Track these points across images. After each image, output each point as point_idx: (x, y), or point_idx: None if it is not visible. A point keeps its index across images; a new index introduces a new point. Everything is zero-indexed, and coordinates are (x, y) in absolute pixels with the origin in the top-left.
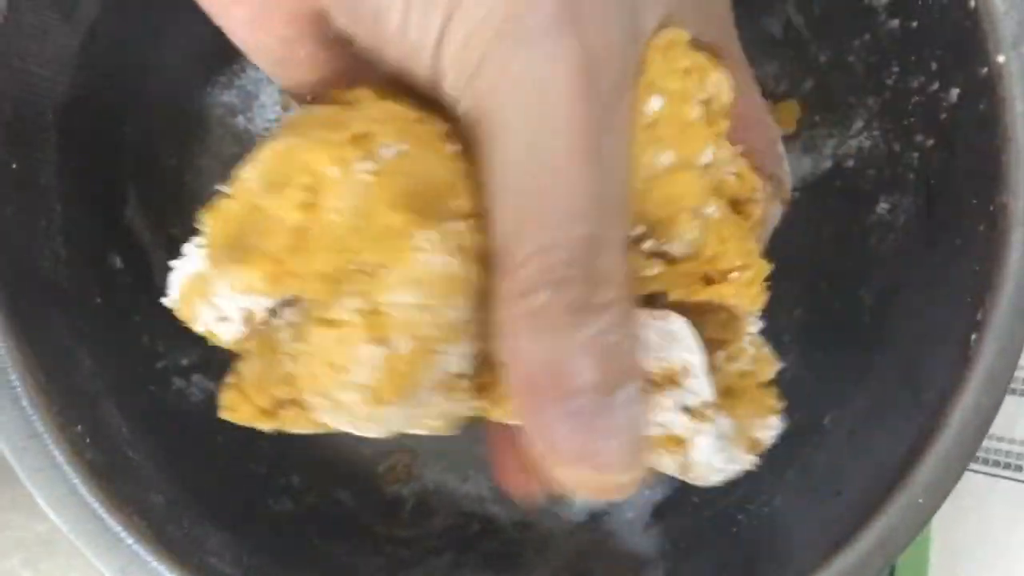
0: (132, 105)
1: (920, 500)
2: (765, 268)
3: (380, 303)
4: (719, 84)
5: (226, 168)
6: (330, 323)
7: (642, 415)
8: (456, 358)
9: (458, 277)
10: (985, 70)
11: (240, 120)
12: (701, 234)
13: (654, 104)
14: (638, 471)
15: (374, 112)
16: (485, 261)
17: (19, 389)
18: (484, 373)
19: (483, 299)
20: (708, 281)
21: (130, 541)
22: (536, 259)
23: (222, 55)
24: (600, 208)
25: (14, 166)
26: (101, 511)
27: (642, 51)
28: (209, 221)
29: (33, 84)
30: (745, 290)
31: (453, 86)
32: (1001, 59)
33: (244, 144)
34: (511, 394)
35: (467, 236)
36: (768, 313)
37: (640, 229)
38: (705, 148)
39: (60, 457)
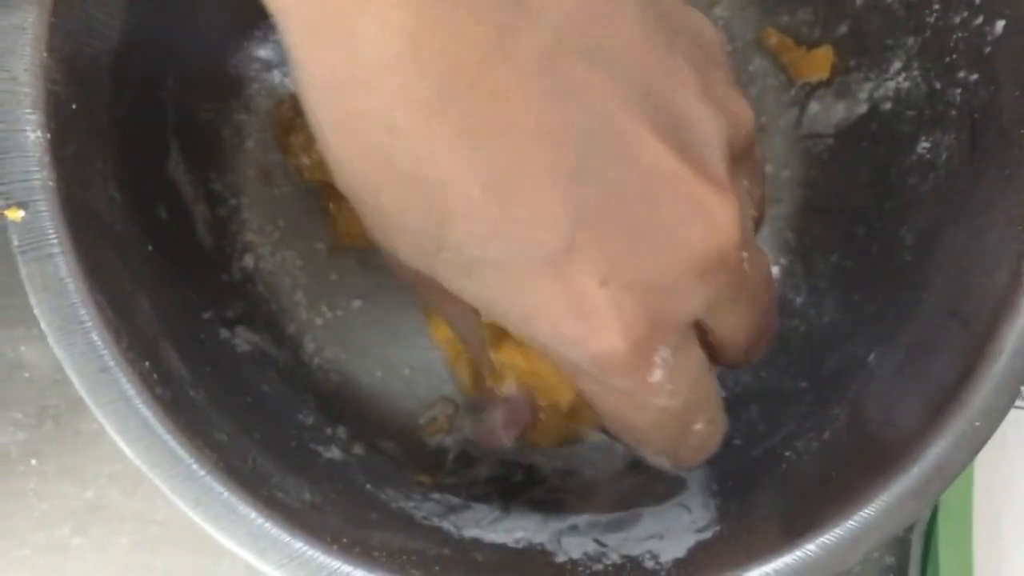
0: (174, 58)
1: (976, 423)
2: None
3: None
4: None
5: (262, 123)
6: None
7: None
8: None
9: None
10: None
11: (275, 75)
12: None
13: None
14: None
15: None
16: None
17: (88, 324)
18: None
19: None
20: None
21: (202, 473)
22: None
23: (258, 9)
24: None
25: (74, 106)
26: (173, 443)
27: None
28: None
29: (90, 25)
30: None
31: None
32: None
33: (280, 99)
34: None
35: None
36: (804, 261)
37: None
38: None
39: (131, 391)
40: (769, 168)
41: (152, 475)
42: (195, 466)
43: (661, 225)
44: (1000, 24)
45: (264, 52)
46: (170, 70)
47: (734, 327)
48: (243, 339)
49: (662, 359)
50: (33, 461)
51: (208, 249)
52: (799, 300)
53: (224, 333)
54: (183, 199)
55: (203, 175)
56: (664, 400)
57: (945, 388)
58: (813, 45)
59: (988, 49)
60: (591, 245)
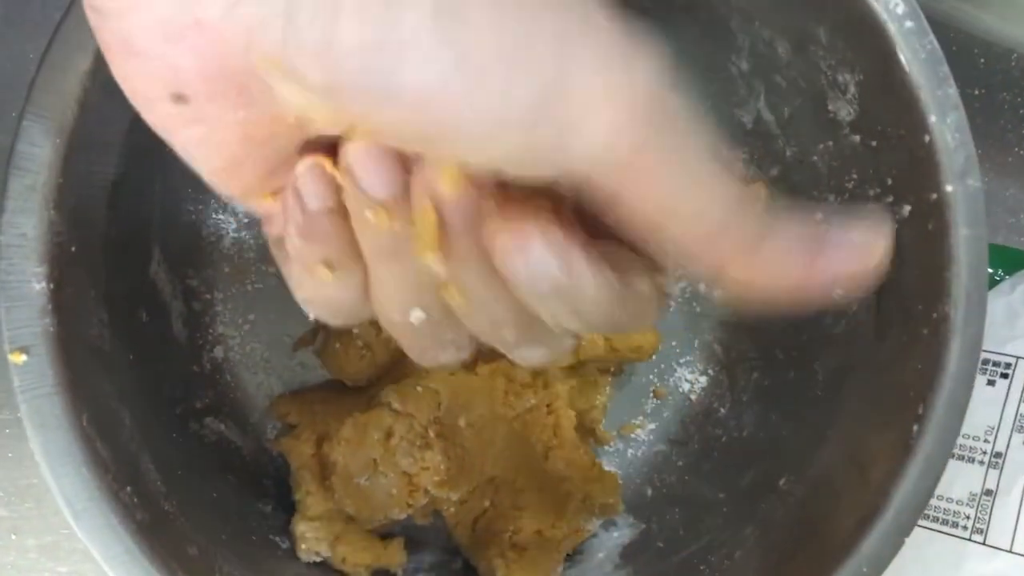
0: (161, 171)
1: (864, 570)
2: None
3: None
4: None
5: (239, 222)
6: None
7: None
8: None
9: None
10: (935, 196)
11: None
12: None
13: None
14: None
15: None
16: None
17: (80, 458)
18: None
19: None
20: None
21: None
22: None
23: None
24: None
25: (73, 249)
26: (151, 568)
27: None
28: None
29: (90, 171)
30: None
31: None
32: (949, 188)
33: None
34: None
35: None
36: (729, 374)
37: None
38: None
39: (115, 519)
40: (703, 286)
41: None
42: None
43: None
44: (907, 208)
45: None
46: (157, 181)
47: None
48: (210, 429)
49: None
50: (13, 536)
51: (182, 342)
52: (723, 411)
53: (193, 425)
54: (162, 298)
55: (182, 272)
56: None
57: (841, 533)
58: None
59: (896, 226)
60: None
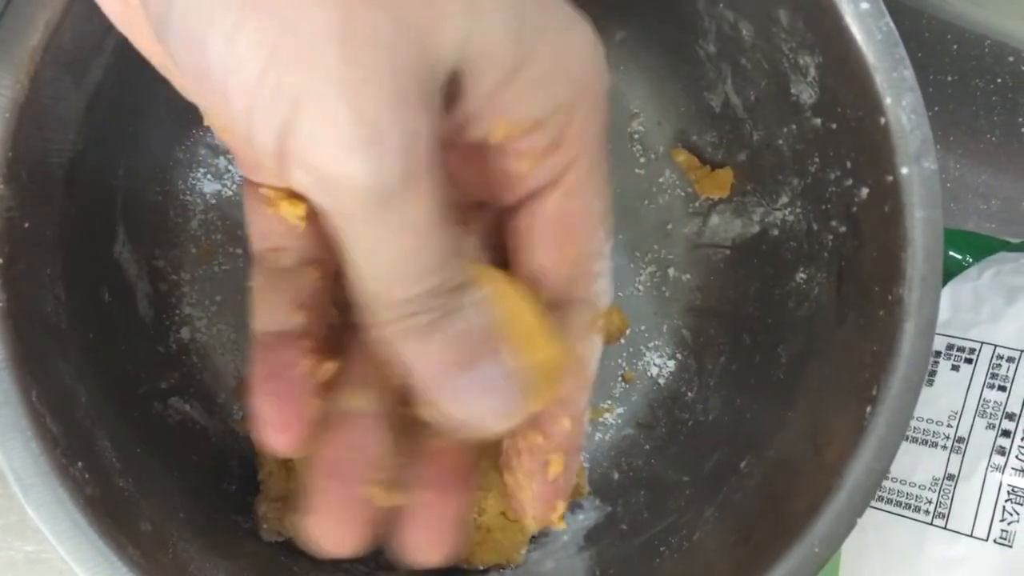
0: (125, 151)
1: (816, 549)
2: None
3: None
4: None
5: (207, 204)
6: None
7: None
8: None
9: None
10: (891, 178)
11: (221, 160)
12: None
13: None
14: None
15: None
16: None
17: (29, 433)
18: None
19: None
20: None
21: (125, 569)
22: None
23: None
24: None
25: (26, 225)
26: (100, 542)
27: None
28: None
29: (45, 147)
30: None
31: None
32: (905, 171)
33: (224, 181)
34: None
35: None
36: (697, 358)
37: None
38: None
39: (64, 493)
40: (672, 271)
41: (79, 571)
42: (119, 563)
43: None
44: (865, 191)
45: (211, 139)
46: (121, 161)
47: None
48: (175, 410)
49: None
50: None
51: (147, 323)
52: (690, 395)
53: (157, 406)
54: (126, 278)
55: (148, 253)
56: None
57: (796, 514)
58: (716, 166)
59: (855, 209)
60: None
